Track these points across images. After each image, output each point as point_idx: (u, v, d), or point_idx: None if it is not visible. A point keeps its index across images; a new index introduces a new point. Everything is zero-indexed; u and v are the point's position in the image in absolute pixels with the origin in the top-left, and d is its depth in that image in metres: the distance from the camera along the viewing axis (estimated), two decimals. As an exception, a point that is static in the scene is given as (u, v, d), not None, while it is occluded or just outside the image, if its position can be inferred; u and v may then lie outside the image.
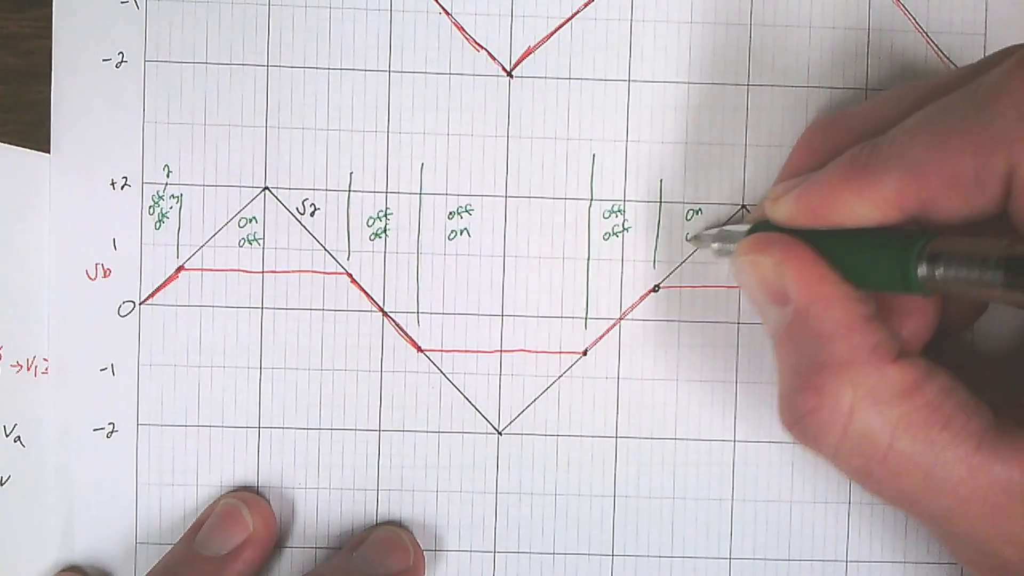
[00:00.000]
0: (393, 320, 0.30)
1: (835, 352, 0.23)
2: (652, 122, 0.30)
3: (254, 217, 0.30)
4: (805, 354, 0.23)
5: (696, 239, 0.30)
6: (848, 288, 0.23)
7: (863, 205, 0.23)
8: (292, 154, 0.30)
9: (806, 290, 0.24)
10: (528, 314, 0.30)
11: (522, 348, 0.30)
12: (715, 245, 0.28)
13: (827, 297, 0.23)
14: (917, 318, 0.25)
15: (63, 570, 0.29)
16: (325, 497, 0.30)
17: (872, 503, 0.30)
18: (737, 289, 0.30)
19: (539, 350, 0.30)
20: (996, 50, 0.25)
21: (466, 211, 0.30)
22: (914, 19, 0.30)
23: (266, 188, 0.30)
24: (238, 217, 0.30)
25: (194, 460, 0.30)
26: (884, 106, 0.25)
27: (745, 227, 0.27)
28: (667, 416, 0.30)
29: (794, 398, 0.23)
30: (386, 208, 0.30)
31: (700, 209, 0.30)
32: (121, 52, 0.29)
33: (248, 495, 0.29)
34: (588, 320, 0.30)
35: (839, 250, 0.24)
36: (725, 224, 0.28)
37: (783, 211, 0.25)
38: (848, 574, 0.30)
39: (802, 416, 0.23)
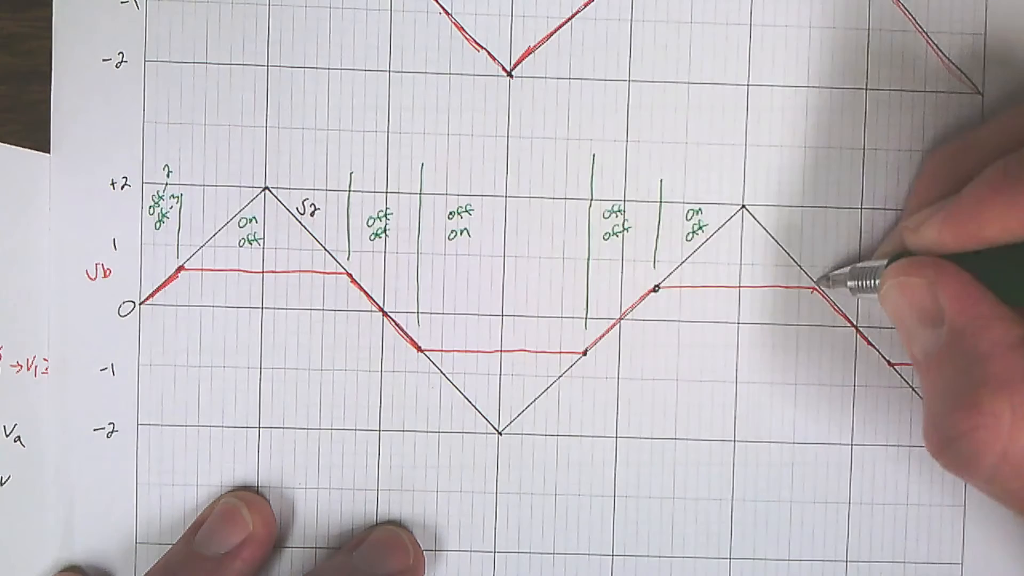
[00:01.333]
0: (393, 320, 0.30)
1: (993, 372, 0.22)
2: (652, 122, 0.30)
3: (254, 217, 0.30)
4: (960, 375, 0.23)
5: (826, 280, 0.30)
6: (1004, 308, 0.23)
7: (1017, 217, 0.22)
8: (292, 154, 0.30)
9: (961, 310, 0.23)
10: (528, 314, 0.30)
11: (522, 348, 0.30)
12: (851, 283, 0.28)
13: (983, 316, 0.23)
14: None
15: (63, 570, 0.29)
16: (325, 497, 0.30)
17: (872, 503, 0.30)
18: (737, 289, 0.30)
19: (539, 350, 0.30)
20: (996, 50, 0.25)
21: (466, 211, 0.30)
22: (914, 19, 0.30)
23: (266, 188, 0.30)
24: (238, 217, 0.30)
25: (194, 460, 0.30)
26: (1012, 124, 0.25)
27: (881, 261, 0.27)
28: (667, 416, 0.30)
29: (946, 420, 0.23)
30: (386, 208, 0.30)
31: (700, 209, 0.30)
32: (121, 52, 0.29)
33: (248, 495, 0.29)
34: (588, 320, 0.30)
35: (991, 269, 0.24)
36: (857, 263, 0.28)
37: (929, 235, 0.24)
38: (848, 574, 0.30)
39: (956, 438, 0.22)
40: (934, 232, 0.24)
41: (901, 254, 0.26)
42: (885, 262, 0.26)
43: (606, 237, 0.30)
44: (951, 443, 0.23)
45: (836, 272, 0.29)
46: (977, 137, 0.26)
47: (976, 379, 0.22)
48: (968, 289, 0.23)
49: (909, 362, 0.30)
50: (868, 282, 0.27)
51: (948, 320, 0.24)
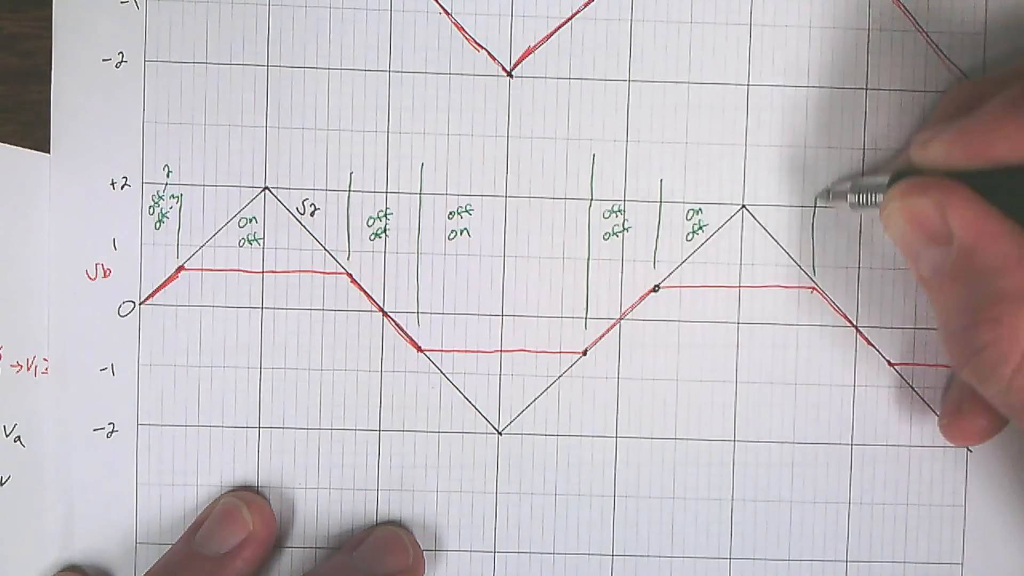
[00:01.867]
0: (393, 320, 0.30)
1: (1010, 285, 0.23)
2: (652, 122, 0.30)
3: (254, 217, 0.30)
4: (975, 291, 0.23)
5: (825, 193, 0.29)
6: (1012, 224, 0.23)
7: None
8: (292, 154, 0.30)
9: (972, 227, 0.24)
10: (528, 314, 0.30)
11: (522, 348, 0.30)
12: (851, 198, 0.28)
13: (994, 232, 0.23)
14: None
15: (63, 570, 0.29)
16: (325, 497, 0.30)
17: (872, 503, 0.30)
18: (737, 289, 0.30)
19: (539, 350, 0.30)
20: (996, 50, 0.25)
21: (466, 211, 0.30)
22: (914, 19, 0.30)
23: (266, 188, 0.30)
24: (238, 217, 0.30)
25: (194, 460, 0.30)
26: None
27: (883, 177, 0.27)
28: (667, 416, 0.30)
29: (967, 333, 0.23)
30: (386, 208, 0.30)
31: (700, 209, 0.30)
32: (121, 52, 0.29)
33: (248, 494, 0.29)
34: (588, 320, 0.30)
35: (997, 190, 0.24)
36: (861, 177, 0.28)
37: (936, 152, 0.25)
38: (848, 574, 0.30)
39: (978, 350, 0.23)
40: (943, 148, 0.24)
41: (904, 172, 0.26)
42: (888, 177, 0.26)
43: (606, 237, 0.30)
44: (973, 356, 0.23)
45: (837, 185, 0.29)
46: (1000, 73, 0.26)
47: (992, 294, 0.23)
48: (976, 207, 0.24)
49: (909, 362, 0.30)
50: (870, 197, 0.27)
51: (958, 238, 0.24)
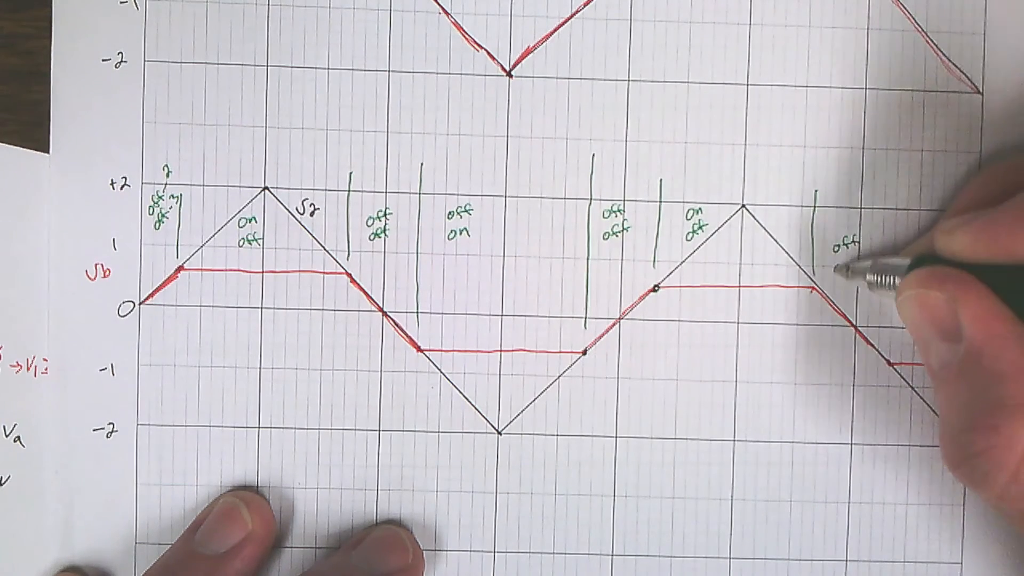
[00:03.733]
0: (392, 320, 0.30)
1: (1011, 393, 0.22)
2: (652, 122, 0.30)
3: (253, 217, 0.30)
4: (977, 393, 0.23)
5: (845, 269, 0.29)
6: (1023, 328, 0.23)
7: None
8: (292, 154, 0.30)
9: (981, 328, 0.23)
10: (528, 314, 0.30)
11: (522, 348, 0.30)
12: (870, 277, 0.28)
13: (1003, 336, 0.23)
14: None
15: (63, 570, 0.30)
16: (325, 496, 0.30)
17: (872, 502, 0.30)
18: (737, 289, 0.30)
19: (539, 350, 0.30)
20: (996, 50, 0.25)
21: (466, 211, 0.30)
22: (914, 19, 0.30)
23: (266, 188, 0.30)
24: (238, 217, 0.30)
25: (194, 460, 0.30)
26: None
27: (904, 260, 0.26)
28: (667, 416, 0.30)
29: (964, 437, 0.23)
30: (386, 208, 0.30)
31: (700, 208, 0.30)
32: (120, 52, 0.29)
33: (247, 494, 0.29)
34: (588, 320, 0.30)
35: (1015, 287, 0.24)
36: (881, 257, 0.28)
37: (960, 243, 0.24)
38: (848, 574, 0.30)
39: (972, 455, 0.23)
40: (968, 240, 0.24)
41: (925, 258, 0.26)
42: (908, 262, 0.26)
43: (606, 237, 0.30)
44: (967, 460, 0.23)
45: (857, 263, 0.29)
46: None
47: (993, 400, 0.23)
48: (989, 307, 0.24)
49: (909, 362, 0.30)
50: (888, 279, 0.27)
51: (967, 337, 0.24)
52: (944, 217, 0.28)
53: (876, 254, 0.29)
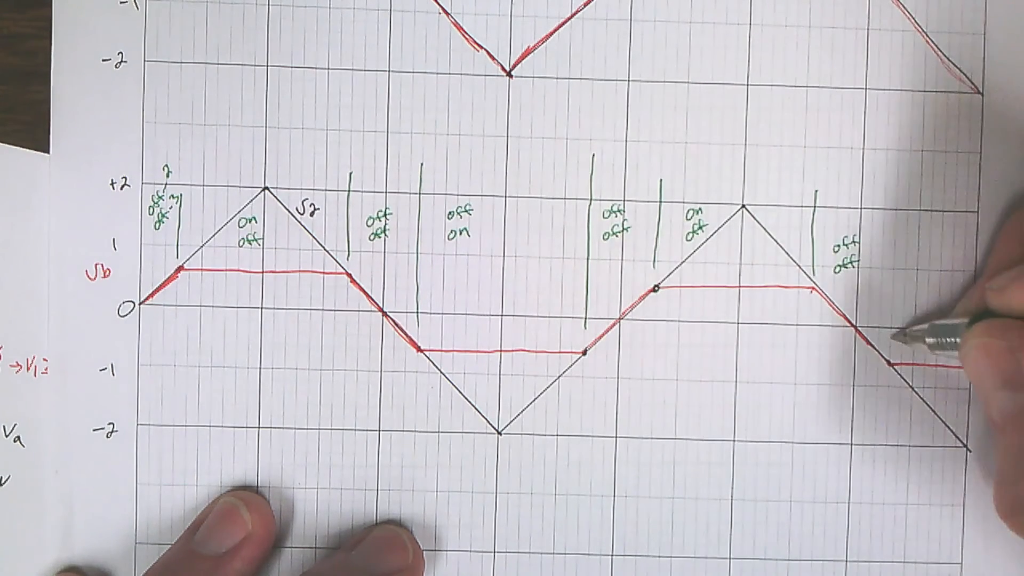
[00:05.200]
0: (392, 320, 0.30)
1: None
2: (652, 122, 0.30)
3: (254, 217, 0.30)
4: None
5: (902, 335, 0.30)
6: None
7: None
8: (292, 154, 0.30)
9: None
10: (528, 314, 0.30)
11: (522, 348, 0.30)
12: (930, 340, 0.28)
13: None
14: None
15: (63, 570, 0.29)
16: (324, 496, 0.30)
17: (872, 503, 0.30)
18: (737, 289, 0.30)
19: (539, 350, 0.30)
20: (996, 50, 0.25)
21: (466, 211, 0.30)
22: (914, 19, 0.30)
23: (266, 188, 0.30)
24: (238, 217, 0.30)
25: (193, 460, 0.30)
26: None
27: (962, 320, 0.27)
28: (667, 416, 0.30)
29: (1018, 487, 0.24)
30: (386, 208, 0.30)
31: (700, 209, 0.30)
32: (120, 52, 0.29)
33: (247, 494, 0.29)
34: (588, 320, 0.30)
35: None
36: (936, 320, 0.28)
37: (1015, 298, 0.25)
38: (848, 574, 0.30)
39: None
40: (1021, 295, 0.25)
41: (982, 314, 0.26)
42: (966, 320, 0.27)
43: (606, 237, 0.30)
44: (1021, 510, 0.23)
45: (915, 329, 0.29)
46: None
47: None
48: None
49: (909, 362, 0.30)
50: (948, 339, 0.27)
51: None
52: (986, 274, 0.29)
53: (930, 317, 0.30)
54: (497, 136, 0.30)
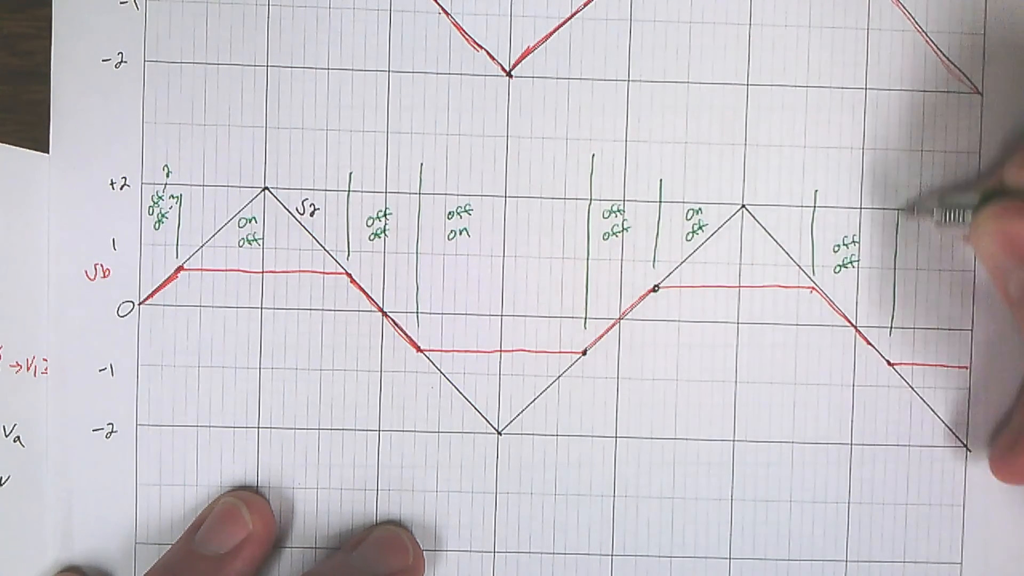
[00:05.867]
0: (392, 320, 0.30)
1: None
2: (652, 122, 0.30)
3: (253, 217, 0.30)
4: None
5: (911, 208, 0.29)
6: None
7: None
8: (291, 154, 0.30)
9: None
10: (528, 314, 0.30)
11: (522, 348, 0.30)
12: (937, 215, 0.28)
13: None
14: None
15: (62, 570, 0.29)
16: (324, 496, 0.30)
17: (872, 503, 0.30)
18: (737, 289, 0.30)
19: (539, 350, 0.30)
20: (996, 50, 0.25)
21: (465, 211, 0.30)
22: (914, 19, 0.30)
23: (265, 188, 0.30)
24: (237, 217, 0.30)
25: (193, 460, 0.30)
26: None
27: (972, 195, 0.27)
28: (667, 416, 0.30)
29: None
30: (385, 208, 0.30)
31: (700, 209, 0.30)
32: (120, 52, 0.29)
33: (247, 494, 0.29)
34: (588, 320, 0.30)
35: None
36: (948, 194, 0.28)
37: None
38: (848, 574, 0.30)
39: None
40: None
41: (995, 191, 0.26)
42: (978, 196, 0.27)
43: (605, 237, 0.30)
44: None
45: (923, 202, 0.29)
46: None
47: None
48: None
49: (908, 362, 0.30)
50: (958, 214, 0.27)
51: None
52: (1012, 156, 0.28)
53: (940, 192, 0.29)
54: (497, 136, 0.30)
